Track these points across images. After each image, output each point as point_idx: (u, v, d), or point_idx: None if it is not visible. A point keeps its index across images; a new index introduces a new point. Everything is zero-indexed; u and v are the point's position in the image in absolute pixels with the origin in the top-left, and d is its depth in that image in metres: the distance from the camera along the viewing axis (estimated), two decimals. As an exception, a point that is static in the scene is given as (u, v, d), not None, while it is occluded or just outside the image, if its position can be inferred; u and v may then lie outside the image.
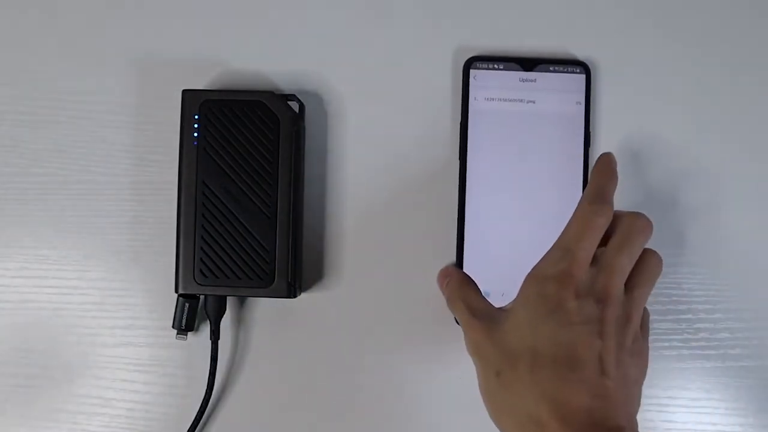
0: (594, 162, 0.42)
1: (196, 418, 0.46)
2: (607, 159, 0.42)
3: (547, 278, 0.38)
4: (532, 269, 0.40)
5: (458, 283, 0.43)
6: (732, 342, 0.48)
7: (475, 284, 0.43)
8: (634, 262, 0.40)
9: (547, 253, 0.40)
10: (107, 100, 0.48)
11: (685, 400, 0.45)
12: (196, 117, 0.45)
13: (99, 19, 0.48)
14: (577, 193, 0.46)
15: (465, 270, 0.46)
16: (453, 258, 0.47)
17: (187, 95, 0.46)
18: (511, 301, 0.41)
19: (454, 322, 0.46)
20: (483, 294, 0.44)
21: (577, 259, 0.38)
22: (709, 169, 0.48)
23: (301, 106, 0.47)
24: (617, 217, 0.41)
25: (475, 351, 0.40)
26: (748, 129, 0.48)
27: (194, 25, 0.48)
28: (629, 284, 0.39)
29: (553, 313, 0.37)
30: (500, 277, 0.46)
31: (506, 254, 0.47)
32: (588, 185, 0.41)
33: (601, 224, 0.39)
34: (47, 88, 0.48)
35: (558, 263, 0.38)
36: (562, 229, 0.40)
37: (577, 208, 0.40)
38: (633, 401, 0.38)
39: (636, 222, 0.40)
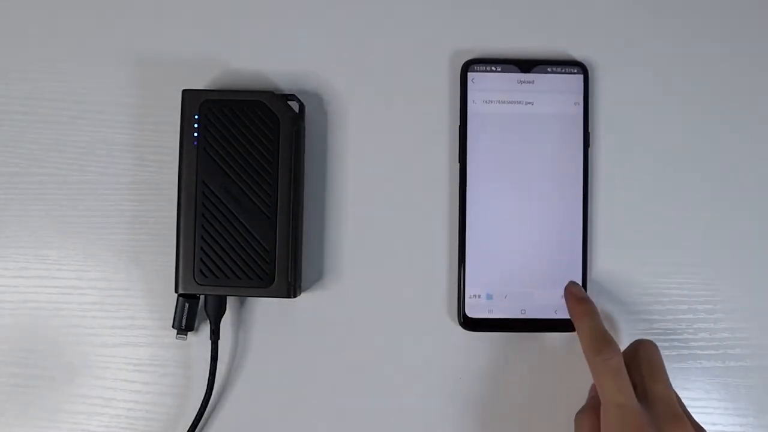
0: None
1: (196, 418, 0.46)
2: (573, 289, 0.45)
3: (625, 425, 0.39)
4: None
5: None
6: (732, 342, 0.48)
7: None
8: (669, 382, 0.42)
9: (604, 414, 0.40)
10: (107, 100, 0.48)
11: (685, 400, 0.45)
12: (196, 117, 0.45)
13: (99, 19, 0.48)
14: (577, 194, 0.47)
15: (467, 273, 0.46)
16: (453, 257, 0.47)
17: (187, 95, 0.46)
18: None
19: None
20: (485, 297, 0.44)
21: (634, 408, 0.40)
22: (709, 169, 0.48)
23: (301, 106, 0.47)
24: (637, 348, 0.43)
25: None
26: (748, 128, 0.48)
27: (194, 25, 0.48)
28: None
29: None
30: (502, 279, 0.46)
31: (508, 256, 0.47)
32: (579, 333, 0.43)
33: (620, 364, 0.41)
34: (47, 88, 0.48)
35: (624, 419, 0.39)
36: (597, 388, 0.41)
37: (589, 365, 0.41)
38: None
39: (653, 350, 0.43)
